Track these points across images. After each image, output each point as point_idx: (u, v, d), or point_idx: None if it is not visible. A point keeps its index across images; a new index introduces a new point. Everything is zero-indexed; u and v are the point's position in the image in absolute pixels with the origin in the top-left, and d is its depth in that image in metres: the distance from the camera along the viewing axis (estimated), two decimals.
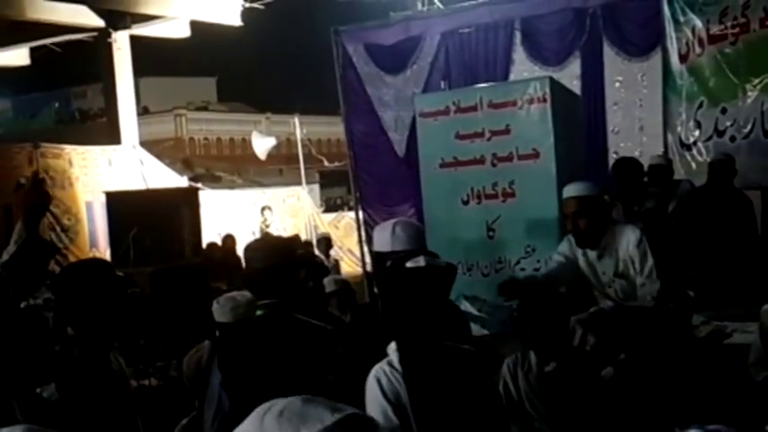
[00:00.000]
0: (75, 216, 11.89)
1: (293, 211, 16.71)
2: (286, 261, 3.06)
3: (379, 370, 2.63)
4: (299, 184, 17.93)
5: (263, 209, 13.83)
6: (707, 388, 3.60)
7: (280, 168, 26.09)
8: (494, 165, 5.18)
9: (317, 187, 24.86)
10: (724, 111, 6.92)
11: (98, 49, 14.06)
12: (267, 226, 13.18)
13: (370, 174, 9.18)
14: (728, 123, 6.87)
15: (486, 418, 2.64)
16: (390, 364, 2.62)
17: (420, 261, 2.79)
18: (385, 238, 3.30)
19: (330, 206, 23.96)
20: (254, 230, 13.58)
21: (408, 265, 2.78)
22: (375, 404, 2.58)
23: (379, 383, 2.59)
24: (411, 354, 2.62)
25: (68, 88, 28.26)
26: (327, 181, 27.07)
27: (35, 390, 2.78)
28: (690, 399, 3.44)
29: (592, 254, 4.32)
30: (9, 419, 2.42)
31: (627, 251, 4.19)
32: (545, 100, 5.03)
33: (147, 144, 15.03)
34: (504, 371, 3.43)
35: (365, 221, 9.22)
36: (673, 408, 3.42)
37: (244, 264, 3.28)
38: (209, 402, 3.17)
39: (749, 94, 6.71)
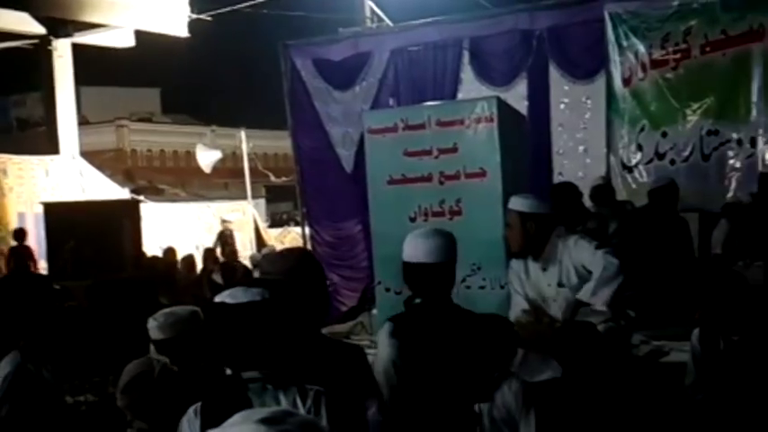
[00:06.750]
0: (5, 227, 11.59)
1: (238, 225, 16.55)
2: None
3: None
4: (245, 198, 17.76)
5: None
6: (645, 406, 3.64)
7: (225, 182, 25.83)
8: (441, 183, 5.18)
9: (262, 202, 24.65)
10: (665, 134, 7.09)
11: (38, 56, 13.76)
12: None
13: (318, 189, 9.12)
14: (669, 147, 7.05)
15: None
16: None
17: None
18: (419, 248, 3.20)
19: (276, 221, 23.77)
20: (198, 244, 13.38)
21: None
22: None
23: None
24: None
25: (7, 96, 27.47)
26: (273, 196, 26.89)
27: None
28: (628, 417, 3.48)
29: (535, 267, 4.33)
30: None
31: (574, 258, 4.15)
32: (492, 120, 5.05)
33: (87, 155, 14.73)
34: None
35: (312, 237, 9.17)
36: (611, 426, 3.45)
37: None
38: None
39: (689, 118, 6.91)
